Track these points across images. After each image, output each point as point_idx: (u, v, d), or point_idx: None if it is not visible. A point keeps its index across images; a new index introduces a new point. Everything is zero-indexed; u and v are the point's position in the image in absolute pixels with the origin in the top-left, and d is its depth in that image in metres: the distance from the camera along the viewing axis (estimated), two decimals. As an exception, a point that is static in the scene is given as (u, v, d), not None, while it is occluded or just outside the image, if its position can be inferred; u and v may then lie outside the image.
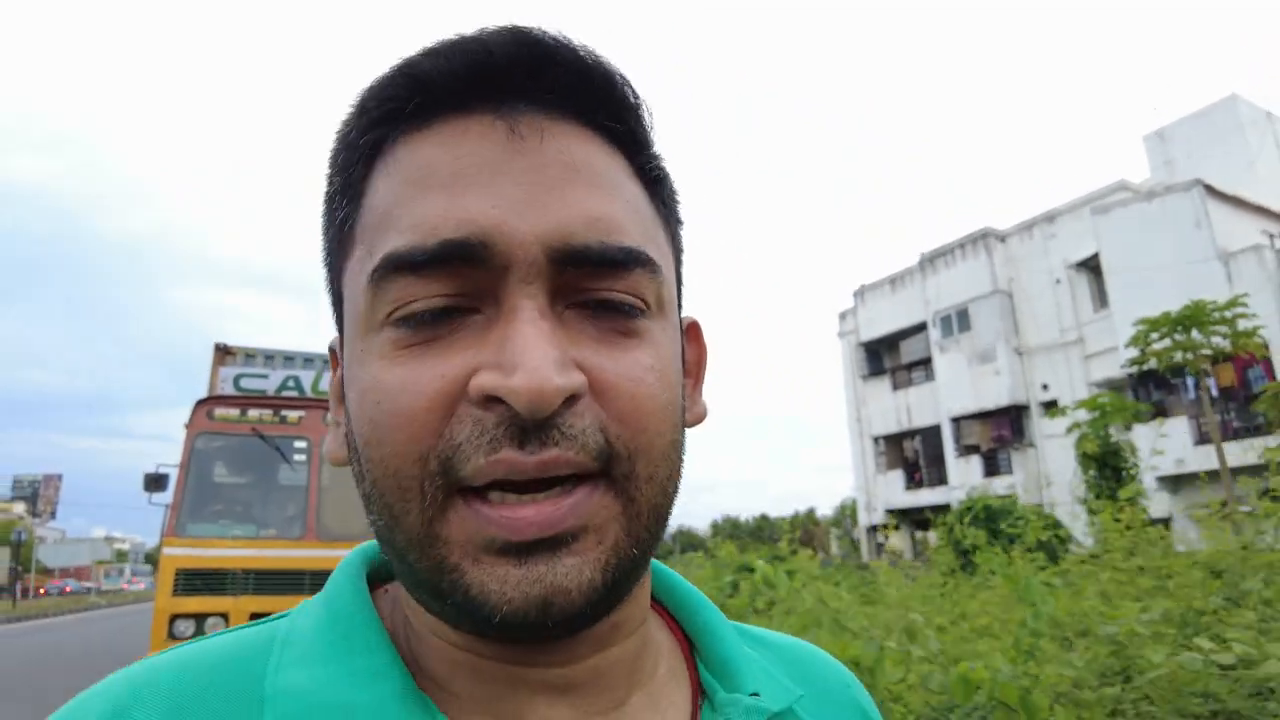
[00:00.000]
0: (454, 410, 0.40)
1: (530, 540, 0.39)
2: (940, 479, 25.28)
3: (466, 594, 0.39)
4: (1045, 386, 23.06)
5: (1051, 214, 23.71)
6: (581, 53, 0.45)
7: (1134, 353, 14.80)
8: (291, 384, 8.10)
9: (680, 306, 0.53)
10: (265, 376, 8.17)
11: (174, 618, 6.32)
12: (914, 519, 24.90)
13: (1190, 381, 18.61)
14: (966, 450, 24.72)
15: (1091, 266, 21.92)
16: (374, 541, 0.53)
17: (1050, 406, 21.95)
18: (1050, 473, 21.26)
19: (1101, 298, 21.43)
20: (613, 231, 0.43)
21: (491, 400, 0.39)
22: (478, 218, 0.41)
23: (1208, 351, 13.59)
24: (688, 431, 0.50)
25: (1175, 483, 18.48)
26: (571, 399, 0.40)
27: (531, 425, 0.39)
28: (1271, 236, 19.45)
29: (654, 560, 0.54)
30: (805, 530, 30.10)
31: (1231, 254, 18.41)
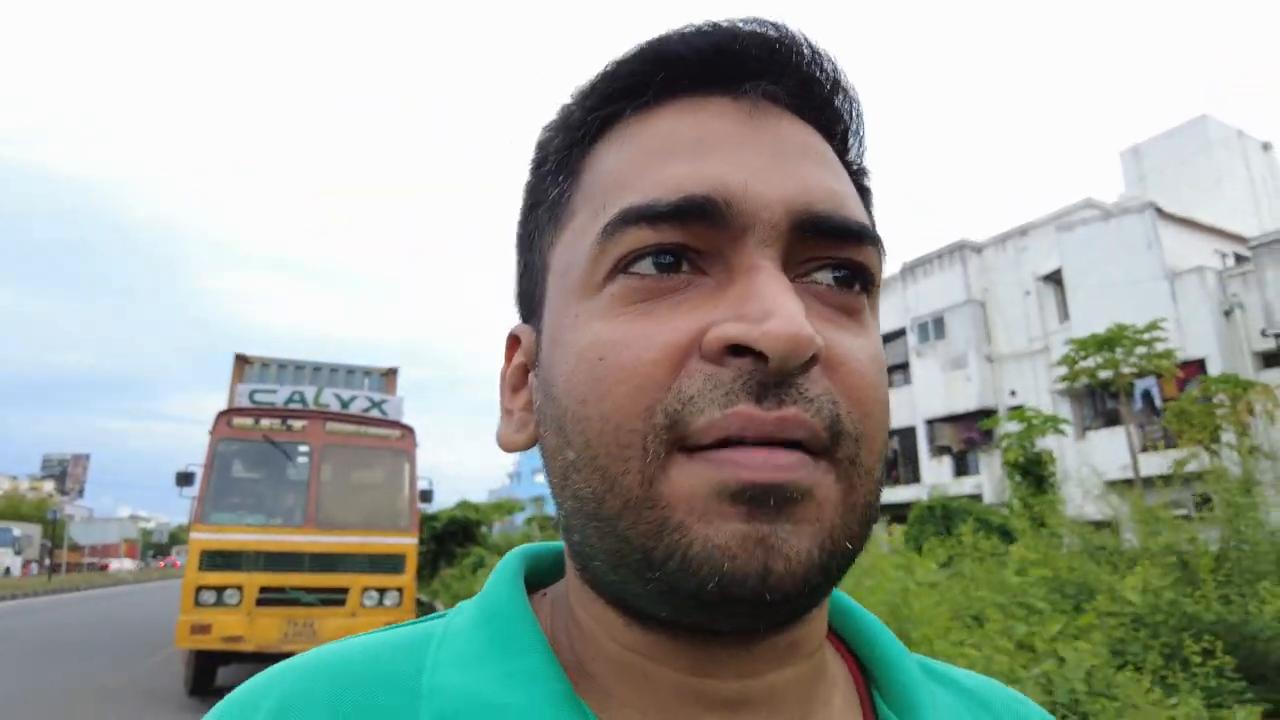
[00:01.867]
0: (684, 365, 0.38)
1: (764, 482, 0.36)
2: (915, 477, 26.66)
3: (686, 554, 0.37)
4: (1013, 392, 24.36)
5: (1024, 228, 24.95)
6: (818, 51, 0.45)
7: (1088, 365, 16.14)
8: (297, 398, 9.71)
9: None
10: (274, 391, 9.78)
11: (199, 589, 7.97)
12: (891, 514, 26.34)
13: (1138, 392, 19.93)
14: (939, 451, 26.09)
15: (1056, 280, 23.18)
16: (532, 545, 0.54)
17: (1016, 411, 23.32)
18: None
19: (1065, 310, 22.69)
20: (850, 207, 0.43)
21: (729, 355, 0.38)
22: (724, 177, 0.40)
23: (1129, 369, 14.94)
24: None
25: (1119, 487, 19.79)
26: (810, 363, 0.38)
27: (772, 381, 0.37)
28: (1223, 255, 20.60)
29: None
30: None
31: (1178, 274, 19.64)
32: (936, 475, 25.29)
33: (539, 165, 0.49)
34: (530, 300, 0.50)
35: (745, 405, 0.37)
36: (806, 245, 0.41)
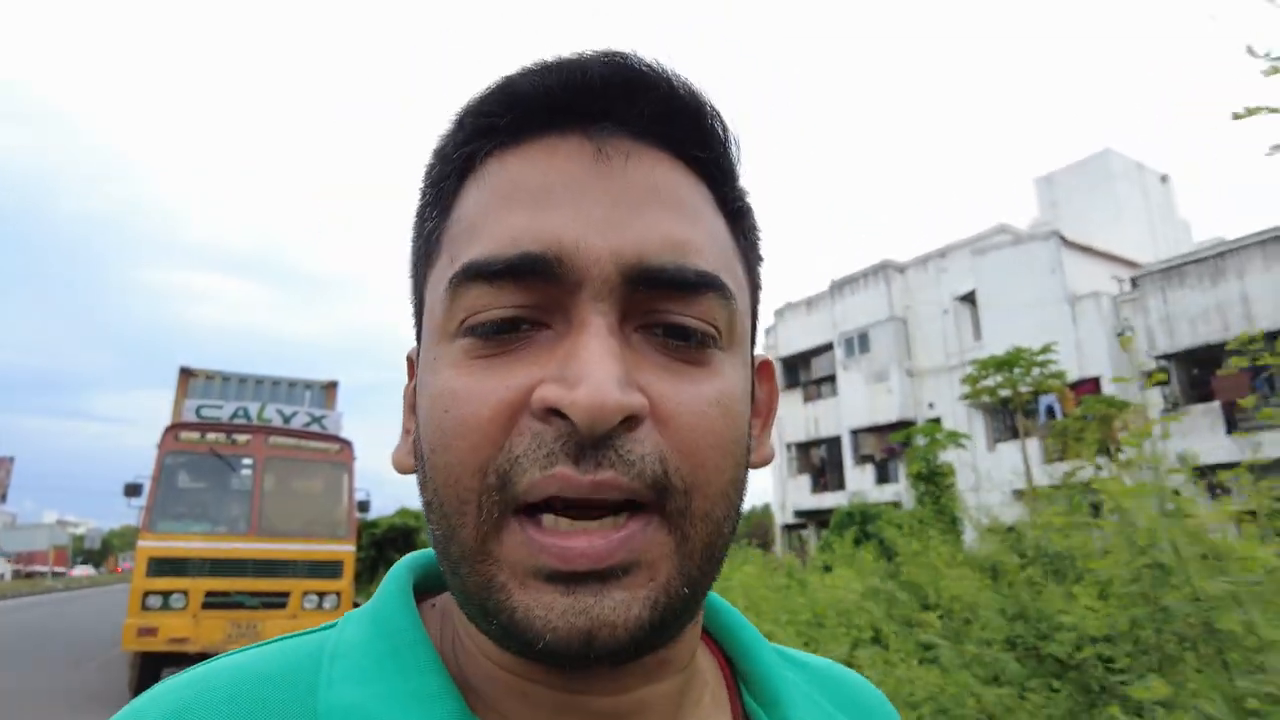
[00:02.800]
0: (516, 422, 0.40)
1: (580, 571, 0.38)
2: (840, 484, 27.89)
3: (511, 616, 0.39)
4: (931, 405, 25.74)
5: (944, 250, 26.39)
6: (675, 81, 0.45)
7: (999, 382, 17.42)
8: (241, 413, 10.28)
9: (753, 343, 0.51)
10: (220, 407, 10.33)
11: (146, 594, 8.51)
12: (819, 520, 27.54)
13: (1043, 407, 21.40)
14: (862, 459, 27.38)
15: (971, 300, 24.65)
16: (423, 551, 0.54)
17: (934, 423, 24.71)
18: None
19: (978, 329, 24.15)
20: (689, 255, 0.43)
21: (552, 414, 0.39)
22: (557, 232, 0.41)
23: (1026, 388, 16.24)
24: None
25: (1023, 496, 21.21)
26: (633, 423, 0.39)
27: (589, 443, 0.38)
28: (1120, 281, 22.20)
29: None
30: (761, 527, 32.64)
31: (1077, 298, 21.17)
32: (860, 483, 26.53)
33: (422, 195, 0.49)
34: (418, 326, 0.51)
35: (563, 467, 0.38)
36: (643, 298, 0.42)
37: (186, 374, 12.11)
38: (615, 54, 0.44)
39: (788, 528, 30.42)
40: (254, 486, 9.45)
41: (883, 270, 27.50)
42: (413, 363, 0.53)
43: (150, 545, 8.79)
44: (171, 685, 0.44)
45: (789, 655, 0.60)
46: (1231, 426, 17.09)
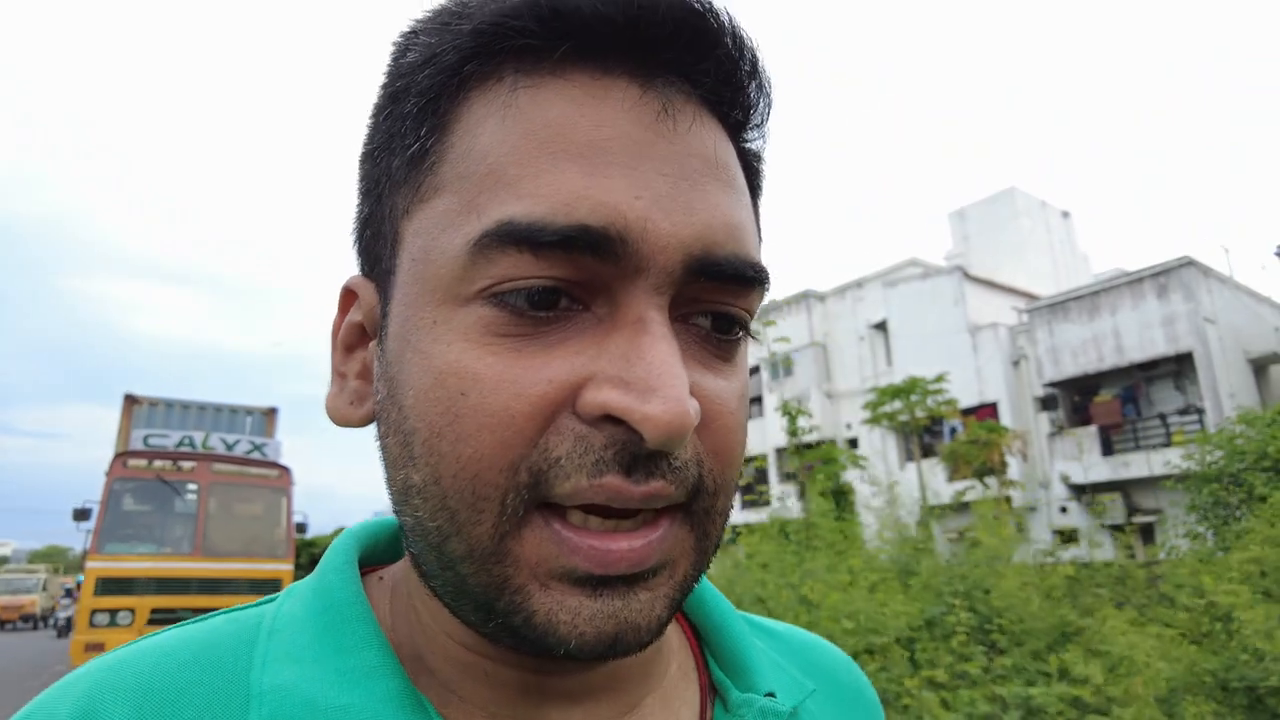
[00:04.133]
0: (554, 420, 0.36)
1: (616, 576, 0.36)
2: (766, 500, 29.26)
3: (530, 620, 0.36)
4: (849, 426, 27.30)
5: (860, 281, 28.08)
6: (745, 41, 0.40)
7: (901, 408, 18.90)
8: (187, 442, 11.03)
9: None
10: (166, 436, 11.08)
11: (94, 611, 9.23)
12: (749, 533, 28.89)
13: (947, 430, 23.04)
14: (787, 477, 28.81)
15: (884, 328, 26.32)
16: (369, 522, 0.51)
17: (852, 444, 26.25)
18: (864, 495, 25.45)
19: (890, 355, 25.79)
20: (745, 244, 0.40)
21: (604, 420, 0.35)
22: (620, 206, 0.36)
23: (922, 414, 17.75)
24: None
25: (932, 511, 22.81)
26: None
27: (644, 455, 0.35)
28: (1020, 313, 24.02)
29: None
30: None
31: (977, 328, 22.89)
32: (783, 499, 27.95)
33: (396, 98, 0.41)
34: (375, 261, 0.44)
35: (614, 477, 0.35)
36: (697, 288, 0.39)
37: (131, 401, 12.77)
38: None
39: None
40: (198, 510, 10.23)
41: (805, 299, 29.08)
42: (353, 294, 0.46)
43: (98, 566, 9.52)
44: (86, 671, 0.40)
45: (757, 624, 0.58)
46: (1108, 449, 18.88)
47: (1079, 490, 19.33)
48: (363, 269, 0.47)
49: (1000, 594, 5.77)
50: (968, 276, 23.77)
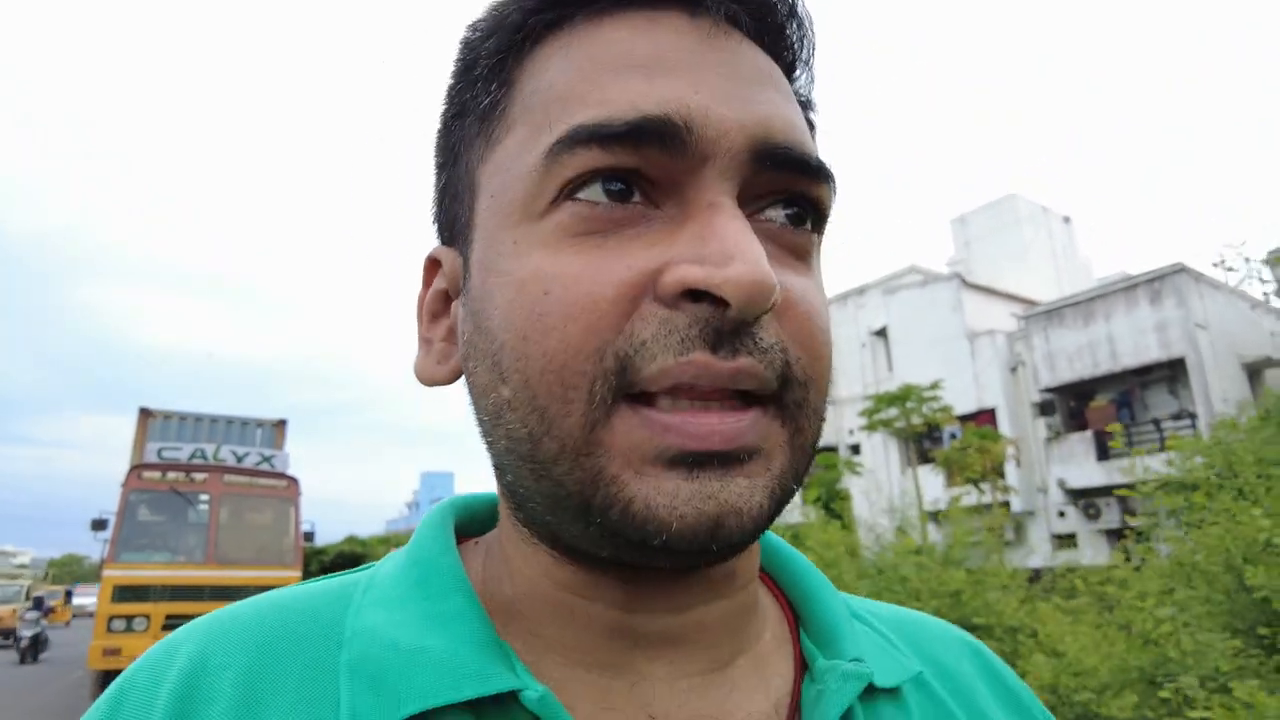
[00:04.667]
0: (637, 306, 0.37)
1: (710, 451, 0.36)
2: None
3: (628, 509, 0.36)
4: (851, 432, 27.55)
5: (861, 288, 28.34)
6: None
7: (896, 414, 19.22)
8: (199, 454, 11.50)
9: None
10: (179, 449, 11.56)
11: (111, 618, 9.68)
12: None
13: (946, 435, 23.30)
14: (790, 483, 29.17)
15: (884, 335, 26.61)
16: (467, 495, 0.53)
17: (854, 450, 26.56)
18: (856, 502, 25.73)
19: (890, 362, 26.07)
20: (807, 141, 0.41)
21: (685, 299, 0.36)
22: (684, 98, 0.38)
23: (918, 420, 18.05)
24: None
25: (934, 516, 23.08)
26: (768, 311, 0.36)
27: (729, 329, 0.36)
28: (1019, 319, 24.27)
29: None
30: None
31: (976, 335, 23.16)
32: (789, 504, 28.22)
33: (467, 69, 0.45)
34: (454, 222, 0.46)
35: (701, 354, 0.36)
36: (763, 178, 0.40)
37: (146, 414, 13.27)
38: None
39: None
40: (210, 520, 10.71)
41: (807, 306, 29.45)
42: (436, 264, 0.49)
43: (115, 574, 9.98)
44: (199, 622, 0.44)
45: (863, 607, 0.56)
46: (1103, 454, 19.12)
47: (1076, 495, 19.58)
48: (443, 238, 0.49)
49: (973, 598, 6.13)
50: (966, 284, 24.04)
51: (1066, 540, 19.83)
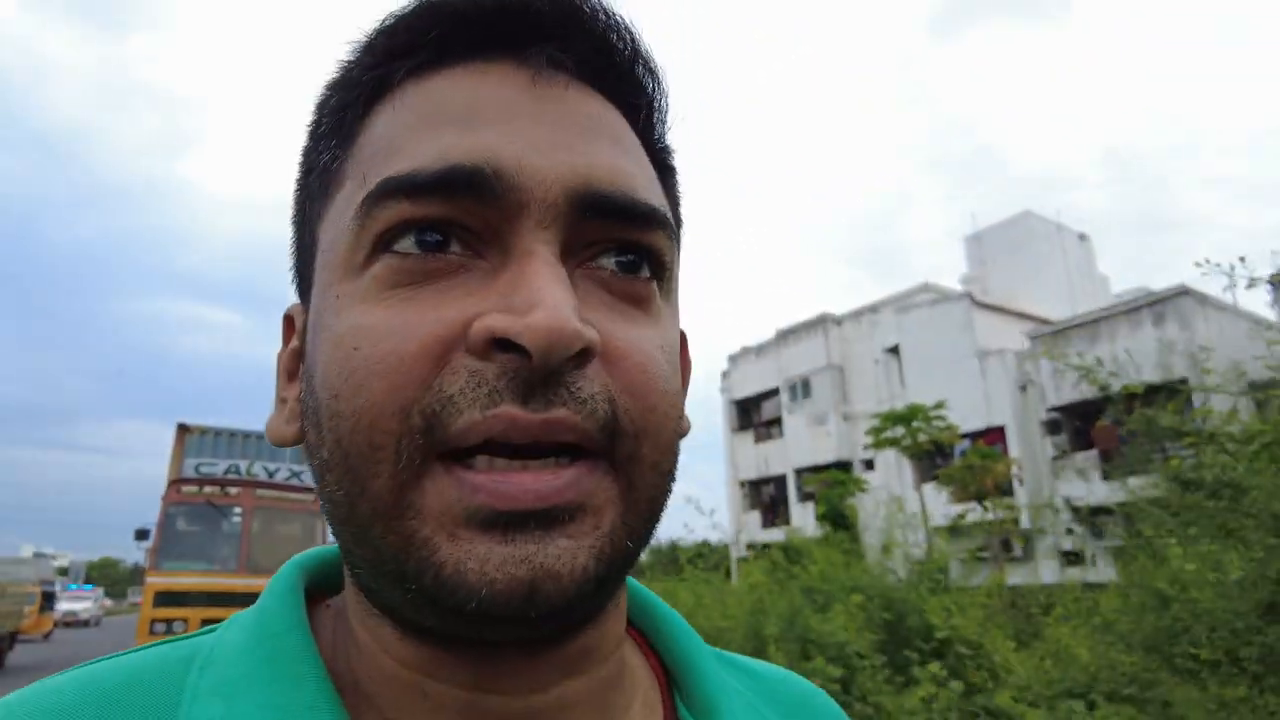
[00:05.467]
0: (448, 360, 0.36)
1: (523, 511, 0.34)
2: (786, 519, 30.00)
3: (439, 574, 0.34)
4: (865, 447, 28.01)
5: (875, 305, 28.85)
6: (614, 19, 0.42)
7: (905, 433, 19.70)
8: (233, 470, 12.34)
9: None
10: (215, 464, 12.42)
11: (153, 621, 10.49)
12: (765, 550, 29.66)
13: (958, 452, 23.68)
14: (805, 496, 29.55)
15: (897, 353, 27.05)
16: (319, 549, 0.50)
17: (868, 465, 27.01)
18: (864, 518, 26.13)
19: (903, 379, 26.50)
20: (638, 186, 0.40)
21: (494, 348, 0.35)
22: (495, 148, 0.37)
23: (923, 438, 18.52)
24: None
25: (947, 531, 23.46)
26: (583, 359, 0.36)
27: (539, 379, 0.35)
28: (1030, 338, 24.63)
29: (630, 579, 0.48)
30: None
31: (986, 353, 23.55)
32: (802, 518, 28.61)
33: (315, 127, 0.45)
34: (303, 278, 0.46)
35: (509, 406, 0.34)
36: (589, 227, 0.39)
37: (183, 430, 14.11)
38: None
39: (741, 560, 32.46)
40: (243, 531, 11.51)
41: (821, 323, 29.93)
42: (292, 321, 0.47)
43: (156, 581, 10.82)
44: (11, 698, 0.38)
45: (733, 661, 0.55)
46: (1107, 473, 19.44)
47: (1082, 513, 19.88)
48: (299, 295, 0.48)
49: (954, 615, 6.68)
50: (976, 303, 24.46)
51: (1075, 558, 20.10)
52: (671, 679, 0.50)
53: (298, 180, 0.48)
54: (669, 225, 0.42)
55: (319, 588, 0.49)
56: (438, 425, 0.35)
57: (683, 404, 0.44)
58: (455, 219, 0.38)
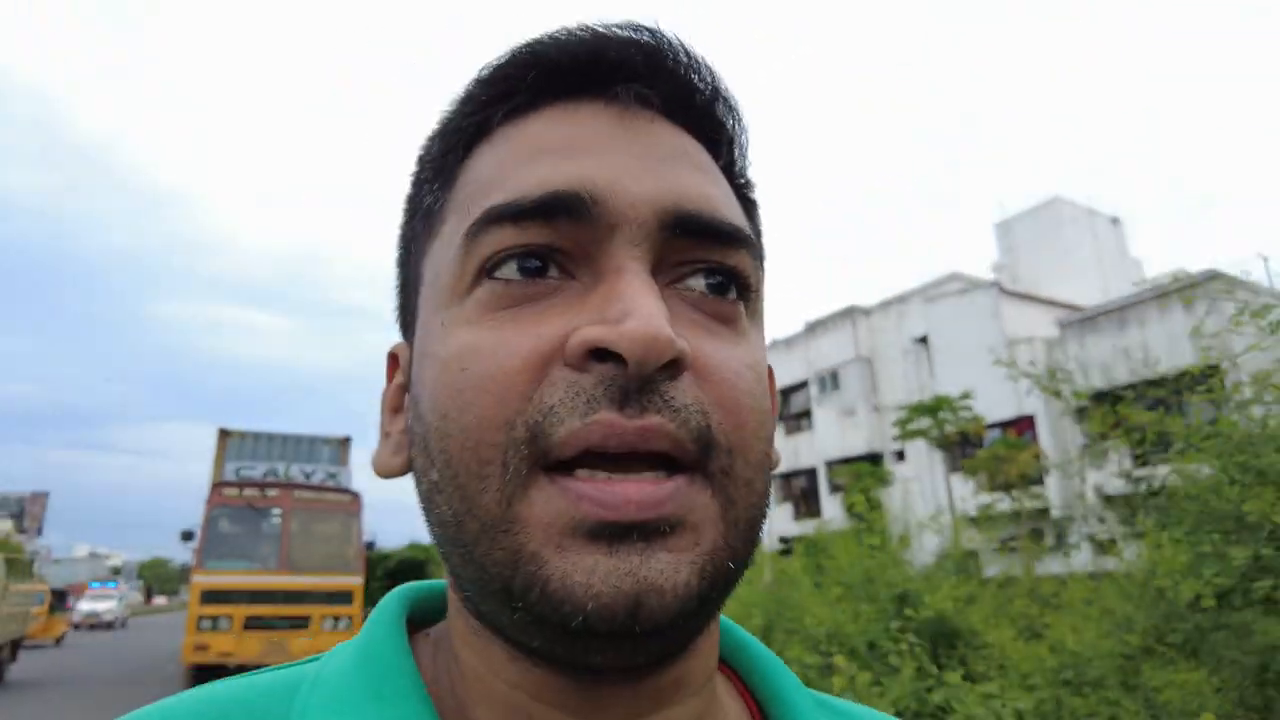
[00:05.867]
0: (547, 374, 0.37)
1: (627, 522, 0.35)
2: (817, 512, 30.07)
3: (545, 588, 0.35)
4: (896, 438, 28.02)
5: (904, 296, 28.71)
6: (696, 61, 0.45)
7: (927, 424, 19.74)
8: (272, 473, 12.89)
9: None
10: (254, 468, 12.96)
11: (200, 618, 11.01)
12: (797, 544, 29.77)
13: (988, 441, 23.61)
14: (835, 489, 29.56)
15: (926, 343, 26.96)
16: (419, 583, 0.52)
17: (900, 456, 27.00)
18: (895, 510, 26.12)
19: (932, 369, 26.42)
20: (723, 210, 0.42)
21: (591, 359, 0.37)
22: (590, 174, 0.40)
23: (951, 428, 18.55)
24: None
25: (975, 521, 23.39)
26: (676, 370, 0.37)
27: (634, 386, 0.36)
28: (1061, 325, 24.43)
29: (724, 617, 0.49)
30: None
31: (1014, 342, 23.42)
32: (833, 510, 28.66)
33: (419, 175, 0.48)
34: (407, 315, 0.49)
35: (606, 413, 0.36)
36: (678, 247, 0.41)
37: (225, 434, 14.71)
38: (641, 26, 0.44)
39: (773, 554, 32.61)
40: (282, 532, 12.00)
41: (850, 314, 29.89)
42: (396, 359, 0.50)
43: (202, 580, 11.33)
44: (135, 716, 0.41)
45: (827, 703, 0.54)
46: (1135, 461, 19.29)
47: (1112, 501, 19.77)
48: (402, 333, 0.51)
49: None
50: (1004, 291, 24.31)
51: (1108, 545, 19.93)
52: (765, 716, 0.50)
53: (401, 225, 0.51)
54: (754, 246, 0.44)
55: (418, 619, 0.50)
56: (540, 435, 0.36)
57: (773, 427, 0.44)
58: (554, 244, 0.40)
